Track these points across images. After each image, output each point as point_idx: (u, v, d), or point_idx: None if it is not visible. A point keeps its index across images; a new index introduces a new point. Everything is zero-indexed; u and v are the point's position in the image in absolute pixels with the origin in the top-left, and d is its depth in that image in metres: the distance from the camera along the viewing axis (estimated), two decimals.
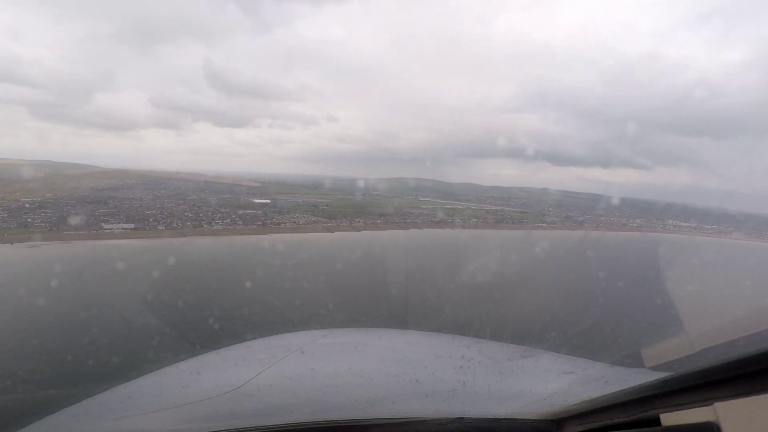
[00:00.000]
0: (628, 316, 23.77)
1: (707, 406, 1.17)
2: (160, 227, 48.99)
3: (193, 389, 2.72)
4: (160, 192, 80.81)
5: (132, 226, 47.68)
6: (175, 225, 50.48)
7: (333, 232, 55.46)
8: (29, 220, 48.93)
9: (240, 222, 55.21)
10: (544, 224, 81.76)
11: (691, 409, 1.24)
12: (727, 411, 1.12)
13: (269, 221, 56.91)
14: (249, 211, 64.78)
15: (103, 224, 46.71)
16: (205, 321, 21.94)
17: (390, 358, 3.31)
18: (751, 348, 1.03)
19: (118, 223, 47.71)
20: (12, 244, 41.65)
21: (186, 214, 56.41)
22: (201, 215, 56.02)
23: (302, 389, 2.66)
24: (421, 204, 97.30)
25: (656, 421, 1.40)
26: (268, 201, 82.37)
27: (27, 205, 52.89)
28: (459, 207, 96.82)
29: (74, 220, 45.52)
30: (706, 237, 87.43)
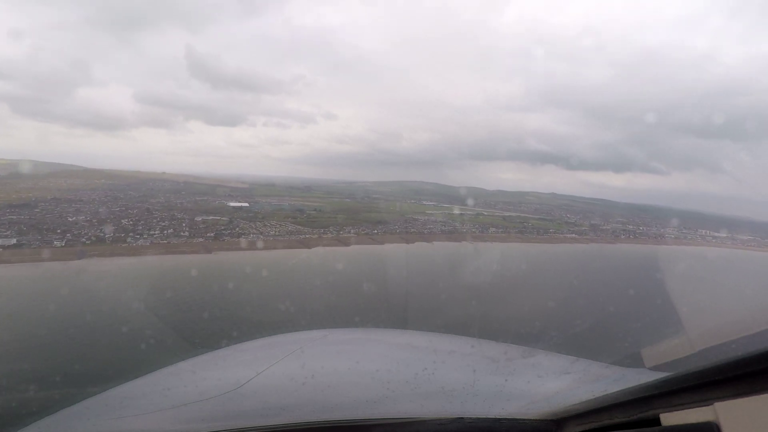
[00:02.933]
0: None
1: (707, 406, 1.15)
2: (56, 242, 33.74)
3: (193, 389, 2.61)
4: (123, 194, 66.01)
5: (13, 241, 32.59)
6: (84, 240, 35.13)
7: (311, 247, 39.76)
8: None
9: (186, 233, 39.67)
10: (575, 235, 66.42)
11: (691, 409, 1.21)
12: (727, 411, 1.10)
13: (228, 232, 41.52)
14: (213, 218, 49.52)
15: None
16: None
17: (390, 358, 3.14)
18: (751, 348, 1.01)
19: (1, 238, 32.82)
20: None
21: (123, 222, 41.54)
22: (140, 224, 40.77)
23: (302, 389, 2.48)
24: (426, 209, 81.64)
25: (656, 421, 1.36)
26: (246, 204, 67.94)
27: None
28: (469, 213, 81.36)
29: None
30: (754, 251, 72.39)
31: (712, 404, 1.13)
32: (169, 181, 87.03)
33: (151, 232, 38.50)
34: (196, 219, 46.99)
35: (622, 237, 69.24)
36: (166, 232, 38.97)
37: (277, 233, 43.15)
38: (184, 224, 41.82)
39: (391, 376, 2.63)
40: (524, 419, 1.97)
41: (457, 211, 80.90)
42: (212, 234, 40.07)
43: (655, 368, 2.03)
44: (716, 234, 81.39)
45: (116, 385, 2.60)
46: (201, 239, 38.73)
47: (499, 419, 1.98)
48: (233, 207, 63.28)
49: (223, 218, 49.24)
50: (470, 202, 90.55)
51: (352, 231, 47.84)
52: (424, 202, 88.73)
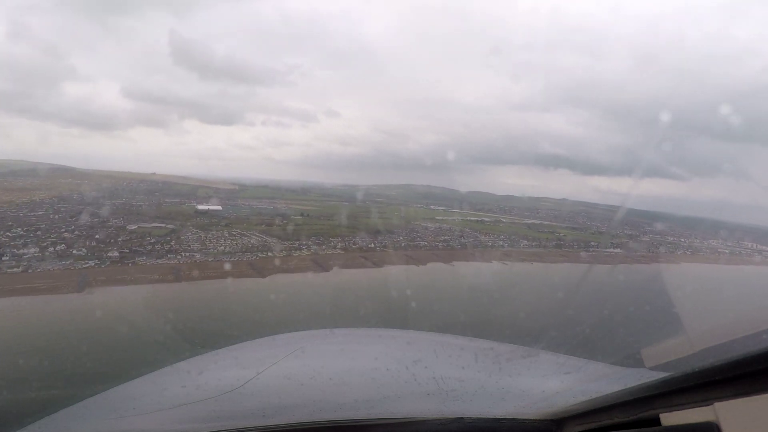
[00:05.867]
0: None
1: (707, 406, 1.12)
2: None
3: (193, 389, 2.51)
4: (78, 196, 53.75)
5: None
6: None
7: (265, 275, 25.59)
8: None
9: (82, 251, 25.82)
10: (620, 251, 51.41)
11: (691, 409, 1.18)
12: (727, 411, 1.08)
13: (153, 249, 27.52)
14: (155, 225, 35.79)
15: None
16: None
17: (390, 358, 2.92)
18: (751, 348, 0.98)
19: None
20: None
21: (15, 241, 28.14)
22: (23, 240, 27.38)
23: (302, 389, 2.40)
24: (435, 214, 67.13)
25: (656, 421, 1.32)
26: (219, 208, 54.97)
27: None
28: (486, 219, 66.88)
29: None
30: None
31: (712, 404, 1.10)
32: (148, 181, 74.71)
33: (22, 252, 24.59)
34: (128, 227, 33.43)
35: (679, 253, 54.49)
36: (48, 251, 24.82)
37: (227, 250, 29.15)
38: (96, 236, 28.12)
39: (392, 376, 2.53)
40: (524, 419, 1.92)
41: (472, 218, 66.72)
42: (119, 253, 26.06)
43: (655, 368, 1.91)
44: (764, 248, 66.40)
45: (116, 385, 2.45)
46: (94, 262, 24.66)
47: (499, 419, 1.93)
48: (199, 211, 50.35)
49: (169, 226, 35.44)
50: (480, 207, 77.02)
51: (340, 245, 33.69)
52: (432, 207, 74.81)
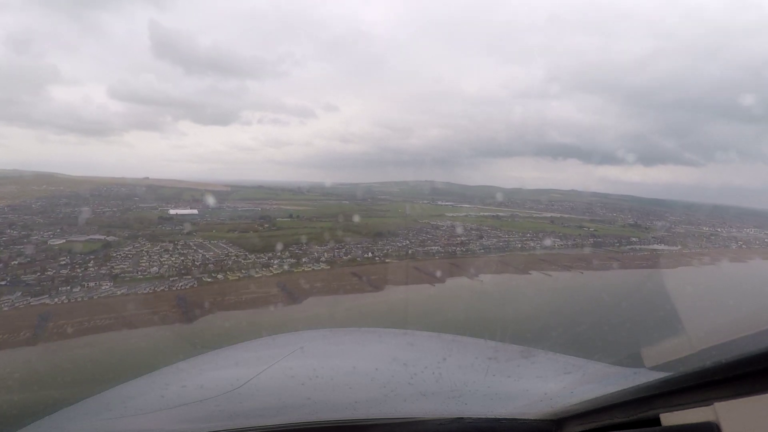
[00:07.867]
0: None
1: (707, 406, 1.10)
2: None
3: (193, 389, 2.45)
4: (35, 205, 46.09)
5: None
6: None
7: (192, 319, 16.48)
8: None
9: None
10: (665, 246, 42.02)
11: (691, 409, 1.16)
12: (727, 411, 1.06)
13: (44, 280, 19.51)
14: (90, 238, 27.35)
15: None
16: None
17: (390, 358, 2.92)
18: (751, 348, 0.96)
19: None
20: None
21: None
22: None
23: (302, 389, 2.34)
24: (444, 211, 58.28)
25: (656, 421, 1.30)
26: (195, 212, 47.14)
27: None
28: (501, 214, 57.77)
29: None
30: None
31: (712, 404, 1.08)
32: (131, 186, 66.89)
33: None
34: (49, 242, 24.89)
35: (734, 247, 44.98)
36: None
37: (163, 271, 20.40)
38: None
39: (391, 376, 2.46)
40: (524, 419, 1.87)
41: (485, 213, 57.55)
42: None
43: (655, 368, 1.87)
44: None
45: (116, 385, 2.38)
46: None
47: (499, 419, 1.89)
48: (166, 217, 42.47)
49: (109, 238, 26.85)
50: (489, 202, 67.88)
51: (326, 255, 24.92)
52: (440, 203, 65.94)
